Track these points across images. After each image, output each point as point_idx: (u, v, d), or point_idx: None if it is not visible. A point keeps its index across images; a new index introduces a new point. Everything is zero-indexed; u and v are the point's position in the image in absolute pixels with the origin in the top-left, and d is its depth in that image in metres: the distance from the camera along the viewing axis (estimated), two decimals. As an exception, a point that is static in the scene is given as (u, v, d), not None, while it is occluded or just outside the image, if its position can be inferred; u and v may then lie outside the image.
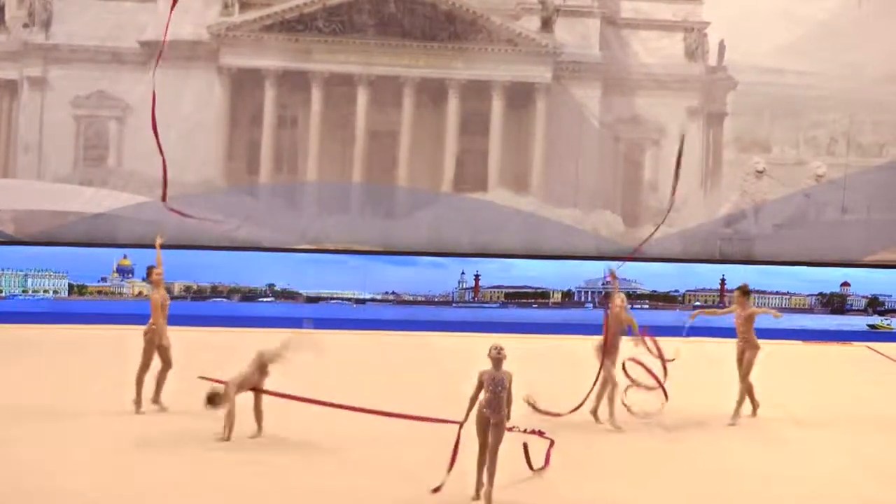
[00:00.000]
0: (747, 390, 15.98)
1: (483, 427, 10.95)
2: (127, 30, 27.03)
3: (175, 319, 16.32)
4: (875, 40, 27.45)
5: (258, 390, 12.94)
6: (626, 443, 14.08)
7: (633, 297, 30.00)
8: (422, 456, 12.35)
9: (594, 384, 14.80)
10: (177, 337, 15.33)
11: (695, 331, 21.75)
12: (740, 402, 15.90)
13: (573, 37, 27.59)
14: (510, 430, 11.09)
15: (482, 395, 10.90)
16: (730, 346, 15.97)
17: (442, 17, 27.31)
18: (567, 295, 32.01)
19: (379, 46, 27.30)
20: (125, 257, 30.05)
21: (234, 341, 18.89)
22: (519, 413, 11.49)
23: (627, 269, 29.02)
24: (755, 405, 16.16)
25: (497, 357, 10.88)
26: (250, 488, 11.06)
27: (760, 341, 16.18)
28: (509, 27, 27.39)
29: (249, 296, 30.13)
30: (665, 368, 14.92)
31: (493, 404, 10.87)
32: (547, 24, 27.48)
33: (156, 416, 14.07)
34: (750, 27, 27.14)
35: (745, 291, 16.43)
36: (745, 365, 16.00)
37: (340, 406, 12.89)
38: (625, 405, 14.70)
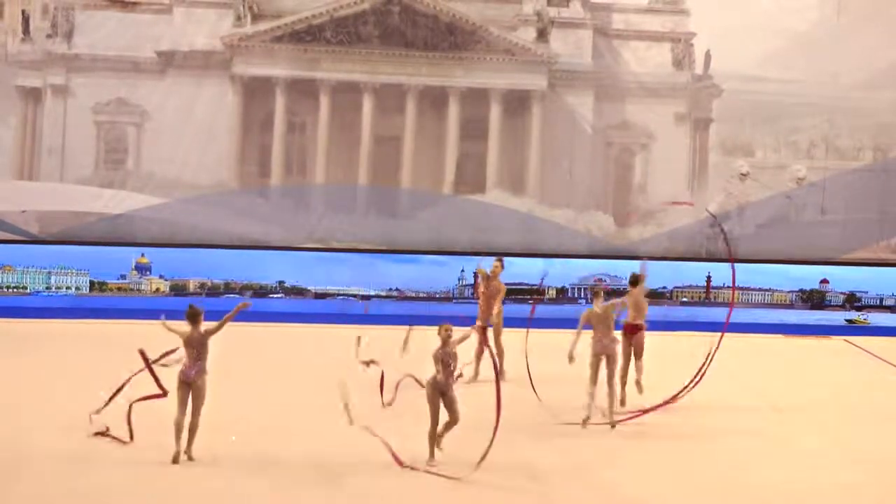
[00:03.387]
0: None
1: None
2: (144, 40, 27.12)
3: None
4: (852, 50, 27.55)
5: None
6: (603, 432, 14.19)
7: (624, 293, 30.08)
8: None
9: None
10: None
11: (680, 325, 21.92)
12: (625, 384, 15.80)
13: (567, 47, 27.69)
14: None
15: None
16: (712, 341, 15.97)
17: (443, 28, 27.40)
18: (561, 291, 32.08)
19: (383, 56, 27.39)
20: (143, 256, 30.12)
21: (247, 334, 19.06)
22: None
23: (617, 267, 29.15)
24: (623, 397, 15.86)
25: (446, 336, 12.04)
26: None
27: (746, 335, 16.35)
28: (507, 38, 27.49)
29: (260, 292, 30.19)
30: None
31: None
32: (542, 35, 27.57)
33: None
34: (734, 38, 27.23)
35: (634, 282, 16.24)
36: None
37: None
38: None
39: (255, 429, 13.69)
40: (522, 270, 30.79)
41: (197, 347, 12.16)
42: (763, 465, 12.61)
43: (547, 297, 31.95)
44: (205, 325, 12.23)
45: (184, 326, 12.21)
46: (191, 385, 12.12)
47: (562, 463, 12.45)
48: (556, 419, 14.44)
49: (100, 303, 27.96)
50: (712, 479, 12.04)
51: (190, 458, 12.13)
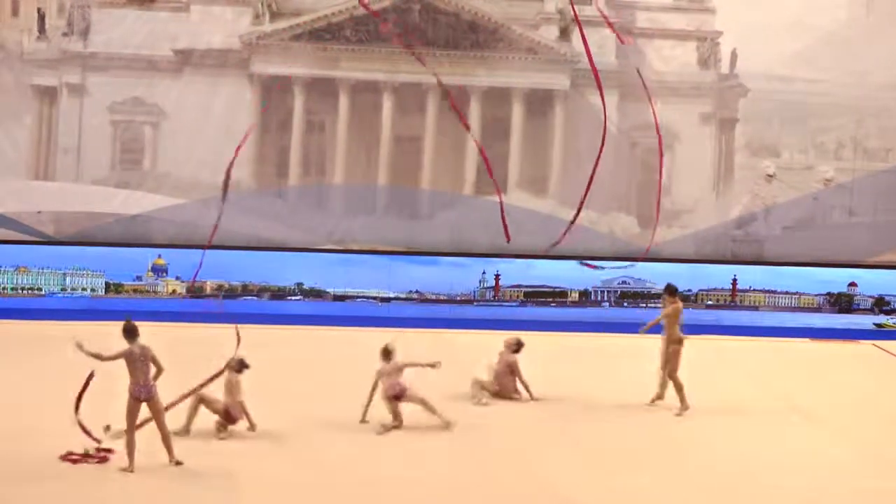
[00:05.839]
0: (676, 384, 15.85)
1: None
2: (161, 38, 27.14)
3: (209, 317, 16.48)
4: (881, 49, 27.43)
5: None
6: (627, 433, 14.20)
7: (648, 296, 30.04)
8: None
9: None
10: (211, 334, 15.51)
11: (705, 328, 21.94)
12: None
13: (590, 46, 27.61)
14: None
15: None
16: (738, 344, 16.01)
17: (465, 26, 27.37)
18: (584, 294, 31.99)
19: (403, 55, 27.38)
20: (159, 257, 30.18)
21: (264, 338, 19.09)
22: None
23: (642, 270, 29.14)
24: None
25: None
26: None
27: (772, 339, 16.28)
28: (529, 36, 27.47)
29: (279, 294, 30.22)
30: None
31: None
32: (565, 34, 27.54)
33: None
34: (761, 37, 27.12)
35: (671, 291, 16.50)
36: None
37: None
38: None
39: (262, 432, 13.73)
40: (544, 272, 30.78)
41: (141, 362, 11.86)
42: (787, 471, 12.59)
43: (570, 299, 31.86)
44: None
45: (120, 348, 11.97)
46: (146, 403, 11.83)
47: (577, 465, 12.46)
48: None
49: (115, 305, 28.03)
50: (735, 484, 12.03)
51: (178, 463, 12.03)
